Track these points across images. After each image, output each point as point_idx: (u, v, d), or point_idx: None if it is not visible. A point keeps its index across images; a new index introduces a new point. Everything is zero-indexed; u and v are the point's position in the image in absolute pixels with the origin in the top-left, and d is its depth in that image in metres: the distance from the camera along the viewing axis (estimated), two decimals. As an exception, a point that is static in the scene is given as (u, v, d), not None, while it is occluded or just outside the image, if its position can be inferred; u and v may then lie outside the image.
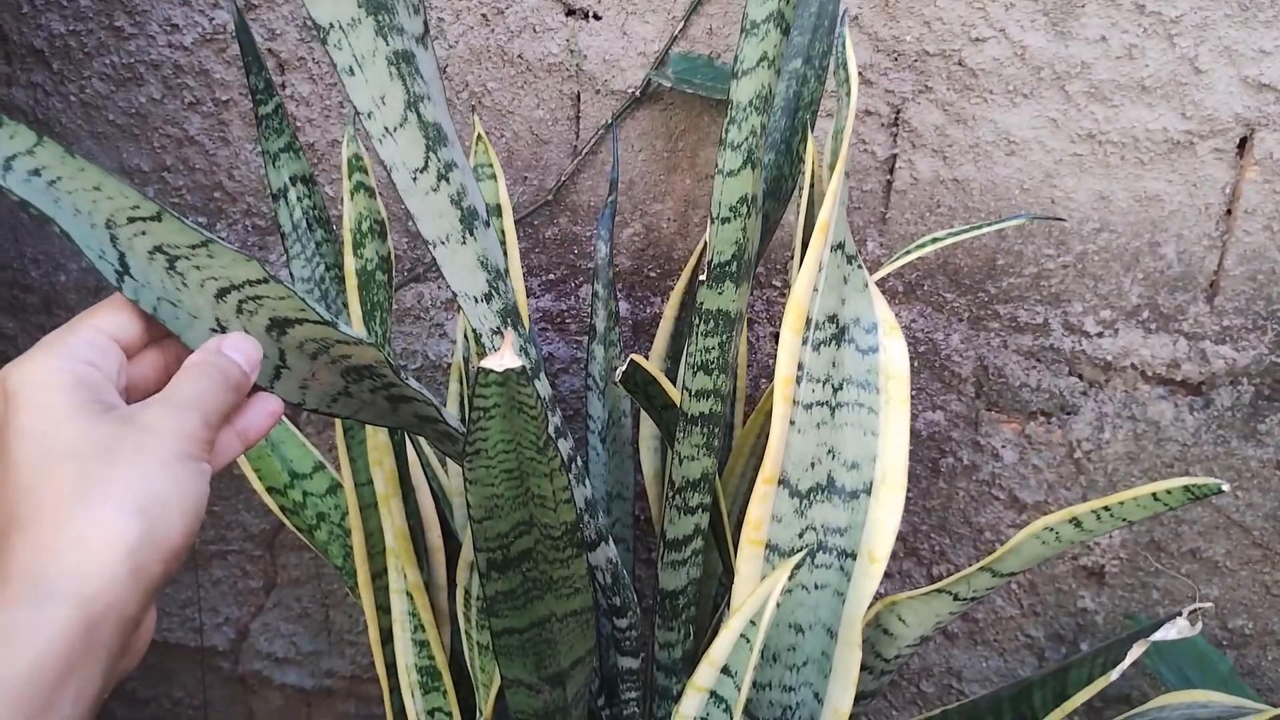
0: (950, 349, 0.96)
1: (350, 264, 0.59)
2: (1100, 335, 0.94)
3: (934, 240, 0.74)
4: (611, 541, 0.63)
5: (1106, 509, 0.58)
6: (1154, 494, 0.56)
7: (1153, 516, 0.59)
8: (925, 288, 0.96)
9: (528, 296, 1.01)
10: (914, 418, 0.98)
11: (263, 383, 0.47)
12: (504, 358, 0.44)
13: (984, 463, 0.97)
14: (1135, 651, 0.58)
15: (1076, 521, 0.59)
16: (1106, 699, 1.01)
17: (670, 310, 0.88)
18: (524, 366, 0.44)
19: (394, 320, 1.03)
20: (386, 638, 0.71)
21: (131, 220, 0.41)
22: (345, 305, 0.69)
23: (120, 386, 0.43)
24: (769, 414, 0.81)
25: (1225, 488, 0.54)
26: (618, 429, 0.79)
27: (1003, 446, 0.96)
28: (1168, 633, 0.57)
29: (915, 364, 0.97)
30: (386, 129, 0.47)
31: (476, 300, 0.51)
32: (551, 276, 1.01)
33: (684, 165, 0.97)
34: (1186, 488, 0.55)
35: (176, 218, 0.41)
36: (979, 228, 0.73)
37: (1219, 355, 0.93)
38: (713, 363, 0.63)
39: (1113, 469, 0.95)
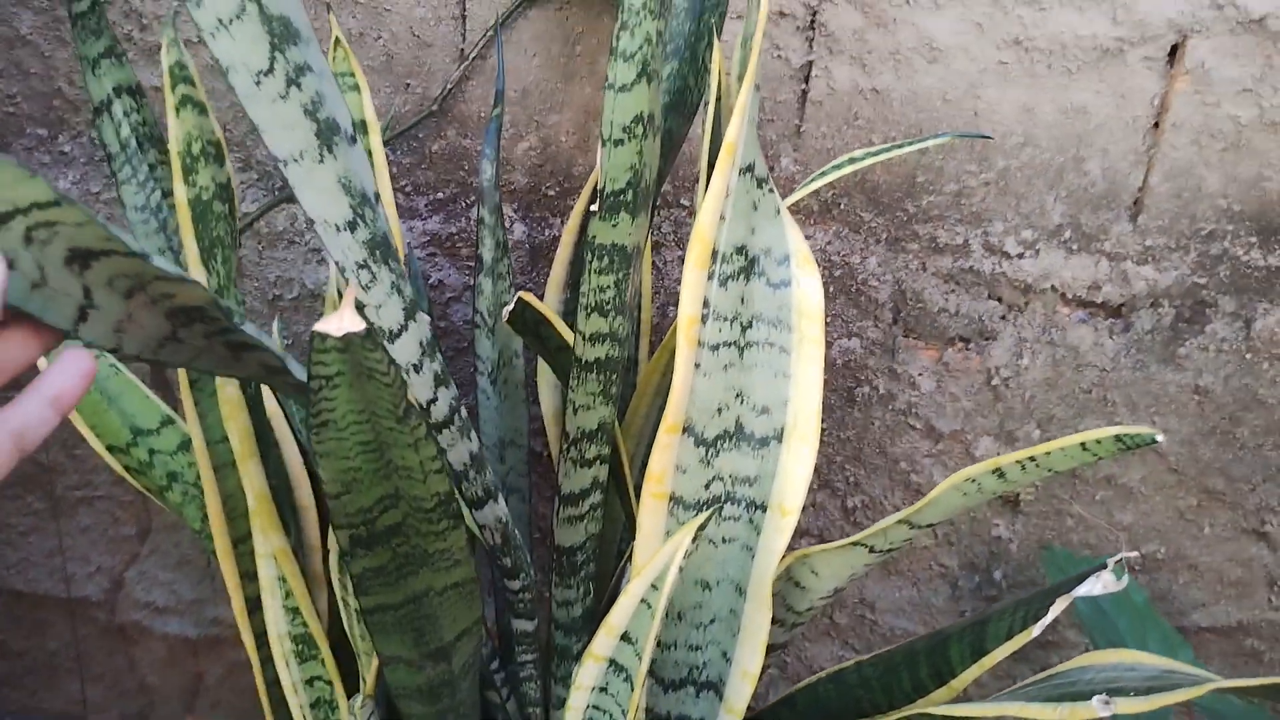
0: (867, 273, 0.90)
1: (181, 193, 0.50)
2: (1021, 256, 0.90)
3: (850, 161, 0.68)
4: (501, 499, 0.57)
5: (1032, 459, 0.53)
6: (1082, 444, 0.52)
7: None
8: (841, 206, 0.90)
9: (414, 218, 0.92)
10: (829, 345, 0.93)
11: (64, 325, 0.39)
12: (343, 320, 0.36)
13: (900, 391, 0.93)
14: (1058, 607, 0.55)
15: (1000, 473, 0.55)
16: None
17: (568, 235, 0.81)
18: (369, 328, 0.36)
19: (264, 246, 0.93)
20: (254, 606, 0.64)
21: None
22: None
23: None
24: (675, 350, 0.75)
25: (1160, 438, 0.50)
26: (509, 370, 0.72)
27: (920, 374, 0.92)
28: (1092, 587, 0.54)
29: (831, 289, 0.91)
30: (220, 21, 0.38)
31: (339, 229, 0.44)
32: (440, 195, 0.92)
33: (583, 72, 0.88)
34: (1117, 437, 0.51)
35: None
36: (899, 146, 0.67)
37: (1140, 276, 0.89)
38: (608, 303, 0.57)
39: (1030, 395, 0.92)
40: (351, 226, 0.45)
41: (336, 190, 0.44)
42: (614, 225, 0.54)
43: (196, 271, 0.52)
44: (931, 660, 0.62)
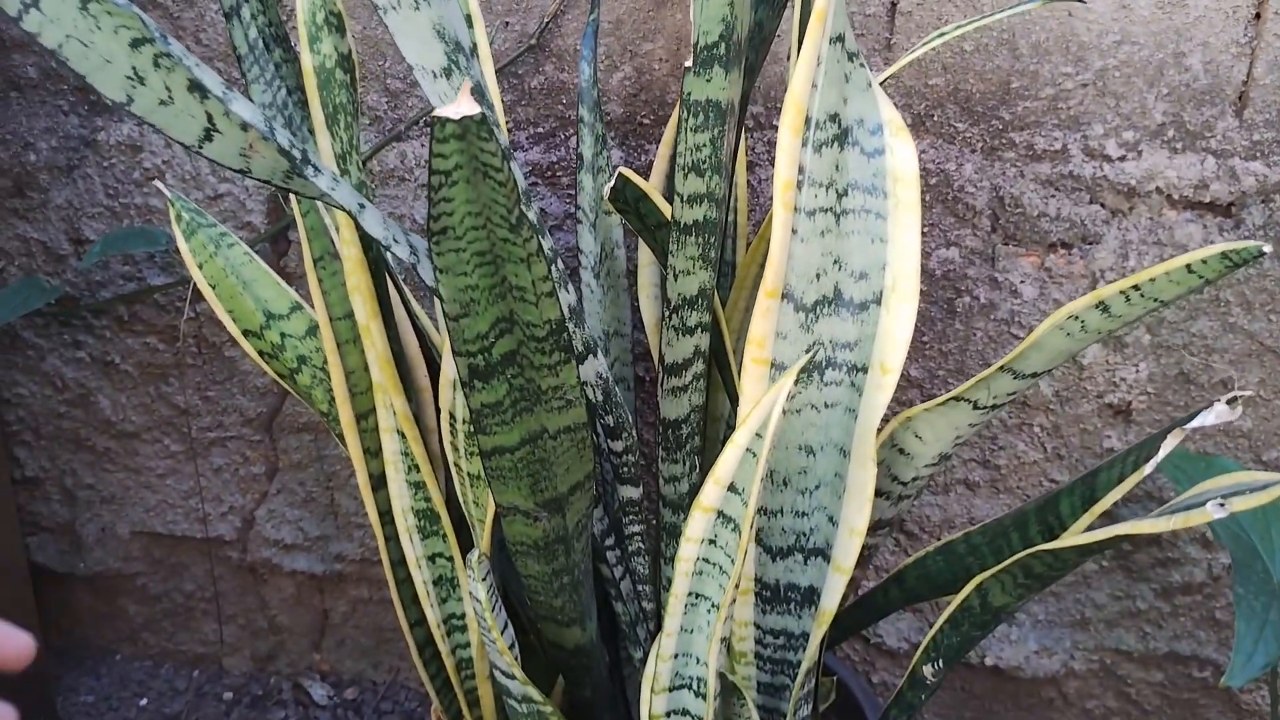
0: (963, 179, 0.90)
1: (307, 61, 0.54)
2: (1123, 159, 0.89)
3: (940, 35, 0.68)
4: (601, 356, 0.59)
5: (1136, 288, 0.53)
6: (1188, 265, 0.52)
7: (1187, 292, 0.54)
8: (935, 118, 0.90)
9: (515, 150, 0.96)
10: (927, 255, 0.93)
11: (189, 142, 0.44)
12: (460, 105, 0.39)
13: (1002, 300, 0.92)
14: (1171, 441, 0.54)
15: (1104, 306, 0.55)
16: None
17: (664, 148, 0.83)
18: (484, 114, 0.39)
19: (376, 184, 0.98)
20: (378, 484, 0.68)
21: None
22: (311, 132, 0.64)
23: None
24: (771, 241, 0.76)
25: (1267, 249, 0.49)
26: (611, 262, 0.75)
27: (1021, 281, 0.92)
28: (1205, 419, 0.53)
29: (927, 198, 0.92)
30: None
31: (435, 75, 0.47)
32: (540, 130, 0.96)
33: (674, -1, 0.91)
34: (1224, 254, 0.50)
35: None
36: (990, 15, 0.67)
37: (1249, 172, 0.87)
38: (704, 162, 0.59)
39: (1138, 299, 0.90)
40: (447, 73, 0.48)
41: (431, 36, 0.47)
42: (708, 80, 0.56)
43: (321, 136, 0.56)
44: (1041, 517, 0.62)
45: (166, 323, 1.05)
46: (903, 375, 0.97)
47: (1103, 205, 0.90)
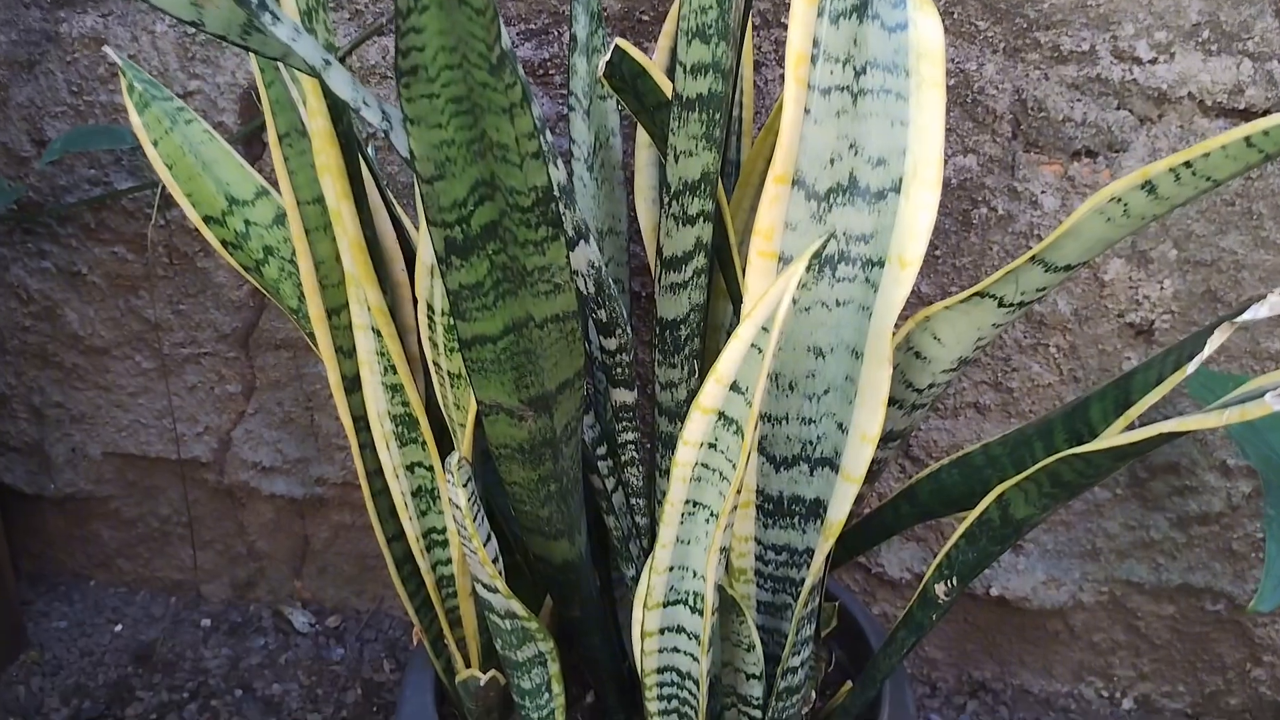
0: (984, 81, 0.84)
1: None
2: (1154, 61, 0.83)
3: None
4: (594, 242, 0.54)
5: (1187, 165, 0.48)
6: (1247, 138, 0.46)
7: (1237, 173, 0.49)
8: (954, 15, 0.84)
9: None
10: (943, 163, 0.87)
11: None
12: (431, -93, 0.33)
13: (1021, 211, 0.87)
14: (1220, 336, 0.49)
15: (1150, 186, 0.49)
16: (1153, 469, 0.93)
17: (664, 39, 0.77)
18: (459, -80, 0.34)
19: (358, 78, 0.92)
20: (351, 387, 0.63)
21: None
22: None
23: None
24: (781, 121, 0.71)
25: (1340, 116, 0.44)
26: (605, 152, 0.69)
27: (1042, 192, 0.86)
28: (1259, 311, 0.48)
29: (944, 101, 0.86)
30: None
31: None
32: (531, 26, 0.90)
33: (676, -118, 0.84)
34: (1290, 125, 0.45)
35: None
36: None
37: (1289, 76, 0.82)
38: (710, 25, 0.53)
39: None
40: None
41: None
42: (716, -68, 0.51)
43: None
44: (1069, 425, 0.58)
45: (135, 231, 1.00)
46: (913, 291, 0.92)
47: (1131, 111, 0.84)
